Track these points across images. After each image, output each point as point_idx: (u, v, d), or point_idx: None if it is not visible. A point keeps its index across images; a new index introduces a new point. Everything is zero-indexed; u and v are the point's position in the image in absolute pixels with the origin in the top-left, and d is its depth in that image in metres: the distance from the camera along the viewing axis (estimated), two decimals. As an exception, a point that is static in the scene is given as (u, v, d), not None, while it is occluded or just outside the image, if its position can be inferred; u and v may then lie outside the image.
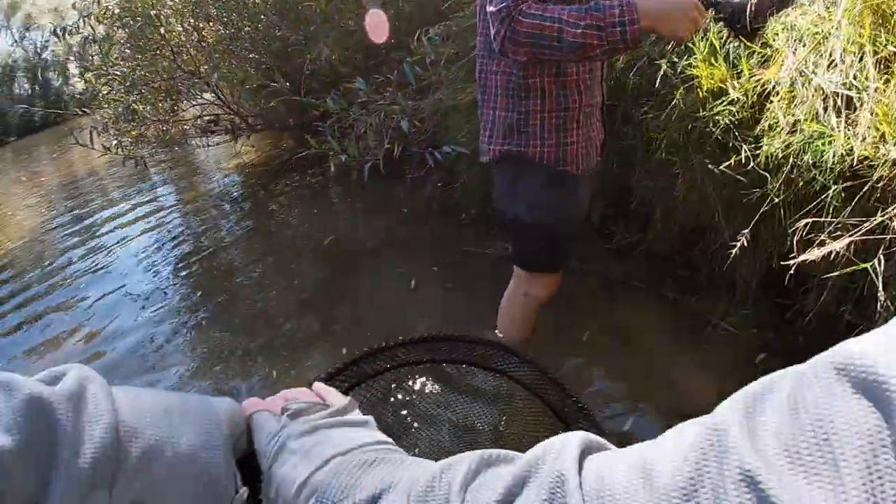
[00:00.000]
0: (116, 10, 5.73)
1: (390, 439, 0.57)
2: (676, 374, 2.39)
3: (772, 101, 2.10)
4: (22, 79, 31.88)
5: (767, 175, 2.06)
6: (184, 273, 4.60)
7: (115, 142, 6.01)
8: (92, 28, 5.79)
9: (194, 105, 6.64)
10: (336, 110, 4.30)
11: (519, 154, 1.98)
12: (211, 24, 5.93)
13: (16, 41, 32.94)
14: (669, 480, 0.32)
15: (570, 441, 0.40)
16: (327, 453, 0.51)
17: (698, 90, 2.34)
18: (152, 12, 5.51)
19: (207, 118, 6.60)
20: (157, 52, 5.80)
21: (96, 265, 5.20)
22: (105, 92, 6.19)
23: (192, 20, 5.89)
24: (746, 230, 2.01)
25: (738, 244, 2.00)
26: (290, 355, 3.05)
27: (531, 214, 2.07)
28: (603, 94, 2.04)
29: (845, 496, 0.25)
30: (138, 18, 5.59)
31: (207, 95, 6.37)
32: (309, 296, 3.64)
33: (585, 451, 0.39)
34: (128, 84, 5.88)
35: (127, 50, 6.09)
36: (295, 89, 5.44)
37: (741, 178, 2.15)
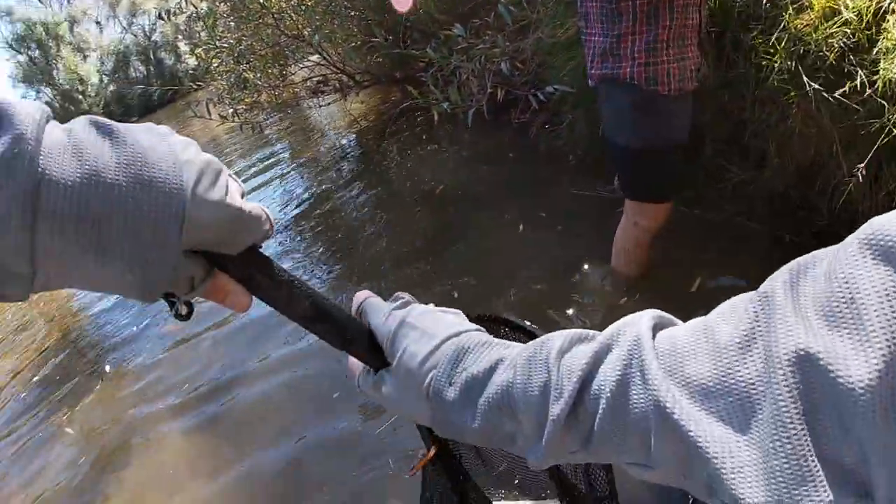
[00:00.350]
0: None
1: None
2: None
3: (887, 20, 1.96)
4: (136, 62, 34.84)
5: (885, 104, 1.94)
6: (302, 223, 4.88)
7: (231, 111, 6.32)
8: (194, 6, 6.04)
9: (302, 68, 6.89)
10: (437, 59, 4.32)
11: (612, 76, 2.02)
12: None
13: (124, 28, 35.79)
14: (727, 337, 0.39)
15: (644, 314, 0.48)
16: (443, 332, 0.58)
17: (809, 10, 2.22)
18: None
19: (316, 79, 6.80)
20: (260, 20, 5.97)
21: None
22: (216, 65, 6.50)
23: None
24: (862, 164, 1.93)
25: (853, 180, 1.92)
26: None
27: (626, 138, 2.12)
28: (700, 17, 1.99)
29: (869, 345, 0.31)
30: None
31: (314, 57, 6.53)
32: (420, 243, 3.75)
33: (658, 325, 0.47)
34: (236, 55, 6.13)
35: (231, 22, 6.33)
36: (396, 42, 5.49)
37: (858, 108, 2.04)
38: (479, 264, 3.28)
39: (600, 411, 0.45)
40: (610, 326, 0.49)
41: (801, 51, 2.24)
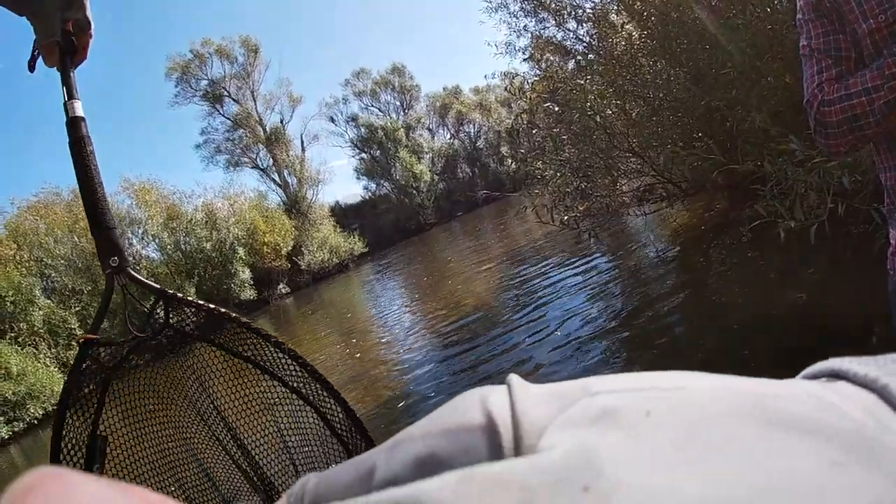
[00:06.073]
0: (556, 108, 6.85)
1: None
2: None
3: None
4: (462, 164, 42.04)
5: None
6: (618, 330, 4.89)
7: (565, 217, 7.00)
8: (539, 126, 6.92)
9: (631, 179, 7.37)
10: (773, 172, 4.35)
11: None
12: (634, 101, 6.59)
13: (452, 135, 43.56)
14: None
15: None
16: None
17: None
18: (587, 104, 6.38)
19: (642, 188, 7.27)
20: (593, 135, 6.65)
21: (536, 318, 6.08)
22: (553, 176, 7.29)
23: (615, 101, 6.66)
24: None
25: None
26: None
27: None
28: None
29: None
30: (574, 111, 6.53)
31: (639, 165, 7.02)
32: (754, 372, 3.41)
33: None
34: (575, 167, 6.84)
35: (563, 136, 7.12)
36: (723, 151, 5.67)
37: None
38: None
39: None
40: None
41: None
